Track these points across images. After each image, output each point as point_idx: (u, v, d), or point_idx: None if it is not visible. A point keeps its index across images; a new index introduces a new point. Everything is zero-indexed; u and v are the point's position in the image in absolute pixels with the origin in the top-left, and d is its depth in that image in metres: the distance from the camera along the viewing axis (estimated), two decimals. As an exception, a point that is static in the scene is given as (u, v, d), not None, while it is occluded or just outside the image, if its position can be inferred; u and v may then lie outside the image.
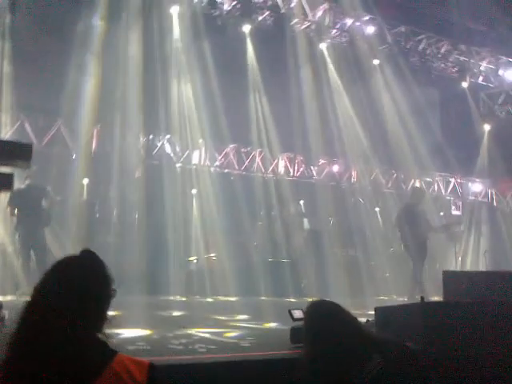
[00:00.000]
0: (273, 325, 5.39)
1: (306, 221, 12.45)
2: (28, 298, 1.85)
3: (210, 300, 9.05)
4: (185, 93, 10.97)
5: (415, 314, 3.96)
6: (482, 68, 15.32)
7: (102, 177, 10.31)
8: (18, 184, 8.00)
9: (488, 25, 14.38)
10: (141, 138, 11.04)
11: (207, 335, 4.65)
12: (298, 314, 4.21)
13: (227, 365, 3.41)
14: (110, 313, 1.89)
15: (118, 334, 3.91)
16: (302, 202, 12.65)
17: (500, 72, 15.47)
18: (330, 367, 2.56)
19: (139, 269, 8.57)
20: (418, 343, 3.71)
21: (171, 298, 8.95)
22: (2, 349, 1.76)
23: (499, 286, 4.79)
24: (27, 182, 8.34)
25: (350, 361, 2.53)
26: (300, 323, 4.14)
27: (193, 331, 4.84)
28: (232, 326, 5.52)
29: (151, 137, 11.21)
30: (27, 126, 10.00)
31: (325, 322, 2.67)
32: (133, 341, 3.92)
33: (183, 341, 4.20)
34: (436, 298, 6.30)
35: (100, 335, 1.84)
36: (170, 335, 4.51)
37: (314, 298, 2.85)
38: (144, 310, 6.24)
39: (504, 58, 15.28)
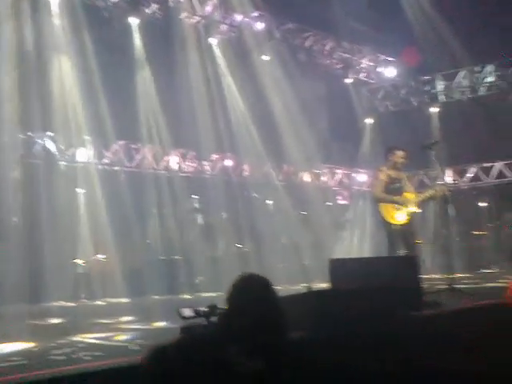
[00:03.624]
0: (163, 324, 5.26)
1: (199, 217, 12.37)
2: None
3: (99, 303, 8.68)
4: (67, 87, 10.37)
5: (302, 303, 4.06)
6: (363, 65, 16.21)
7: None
8: None
9: (368, 24, 15.23)
10: (18, 136, 10.24)
11: (93, 341, 4.43)
12: (187, 312, 4.12)
13: (115, 371, 3.23)
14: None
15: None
16: (195, 197, 12.54)
17: (379, 69, 16.48)
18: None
19: (21, 275, 7.99)
20: (306, 332, 3.81)
21: (55, 303, 8.44)
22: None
23: (379, 271, 5.08)
24: None
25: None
26: (190, 322, 4.06)
27: (77, 338, 4.58)
28: (121, 328, 5.31)
29: (30, 134, 10.43)
30: None
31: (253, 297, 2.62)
32: (5, 356, 3.60)
33: (67, 350, 3.95)
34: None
35: None
36: (51, 345, 4.21)
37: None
38: (21, 320, 5.80)
39: (382, 56, 16.30)
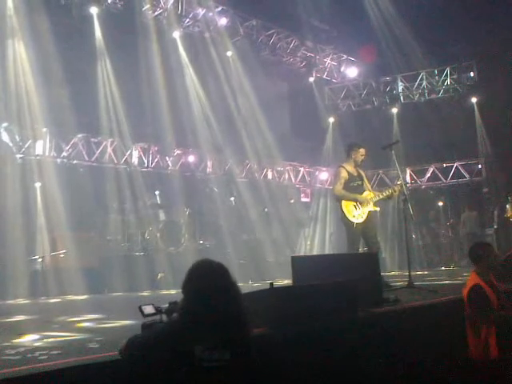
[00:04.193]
0: (125, 322, 5.15)
1: (161, 212, 12.22)
2: None
3: (56, 300, 8.45)
4: (24, 78, 10.00)
5: (265, 299, 4.05)
6: (326, 64, 16.37)
7: None
8: None
9: (331, 24, 15.39)
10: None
11: (50, 340, 4.29)
12: (148, 309, 4.05)
13: (72, 370, 3.13)
14: None
15: None
16: (157, 192, 12.37)
17: (342, 69, 16.69)
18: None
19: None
20: (269, 328, 3.81)
21: (11, 301, 8.17)
22: None
23: (340, 267, 5.12)
24: None
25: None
26: (151, 318, 4.00)
27: (33, 337, 4.43)
28: (79, 326, 5.17)
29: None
30: None
31: (213, 280, 2.69)
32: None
33: (21, 349, 3.81)
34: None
35: None
36: (4, 344, 4.05)
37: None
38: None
39: (345, 56, 16.50)
